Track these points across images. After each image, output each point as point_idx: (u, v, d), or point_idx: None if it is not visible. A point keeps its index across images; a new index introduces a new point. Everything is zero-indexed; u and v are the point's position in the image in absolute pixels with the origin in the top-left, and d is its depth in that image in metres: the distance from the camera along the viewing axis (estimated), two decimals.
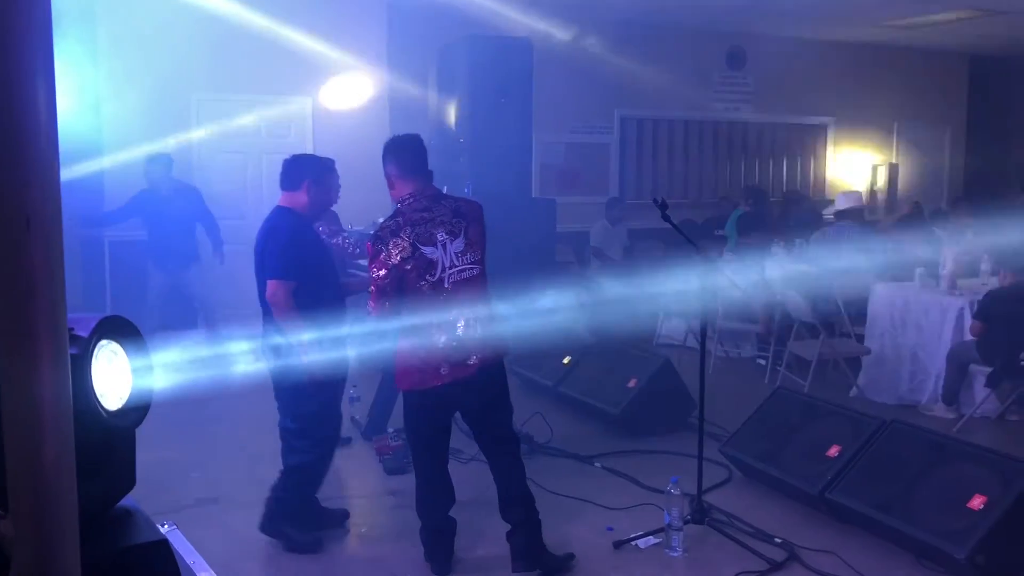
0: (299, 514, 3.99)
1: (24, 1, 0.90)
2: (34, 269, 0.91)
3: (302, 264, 3.80)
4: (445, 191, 3.77)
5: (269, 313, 3.84)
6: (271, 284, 3.79)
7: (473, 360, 3.47)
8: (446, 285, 3.43)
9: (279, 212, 3.94)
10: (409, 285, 3.42)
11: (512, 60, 7.31)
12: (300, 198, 3.91)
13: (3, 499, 0.98)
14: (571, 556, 3.78)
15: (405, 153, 3.57)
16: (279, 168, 4.00)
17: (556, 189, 9.63)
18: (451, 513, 3.73)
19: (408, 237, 3.41)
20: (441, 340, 3.43)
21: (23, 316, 0.91)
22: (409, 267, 3.40)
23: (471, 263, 3.50)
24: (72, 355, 1.40)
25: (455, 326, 3.44)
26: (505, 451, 3.69)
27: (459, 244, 3.46)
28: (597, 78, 9.85)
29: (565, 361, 6.32)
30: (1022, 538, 3.57)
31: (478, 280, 3.53)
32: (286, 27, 7.73)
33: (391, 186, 3.61)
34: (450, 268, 3.44)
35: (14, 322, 0.92)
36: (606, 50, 9.61)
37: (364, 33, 8.30)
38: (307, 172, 3.93)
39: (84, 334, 1.40)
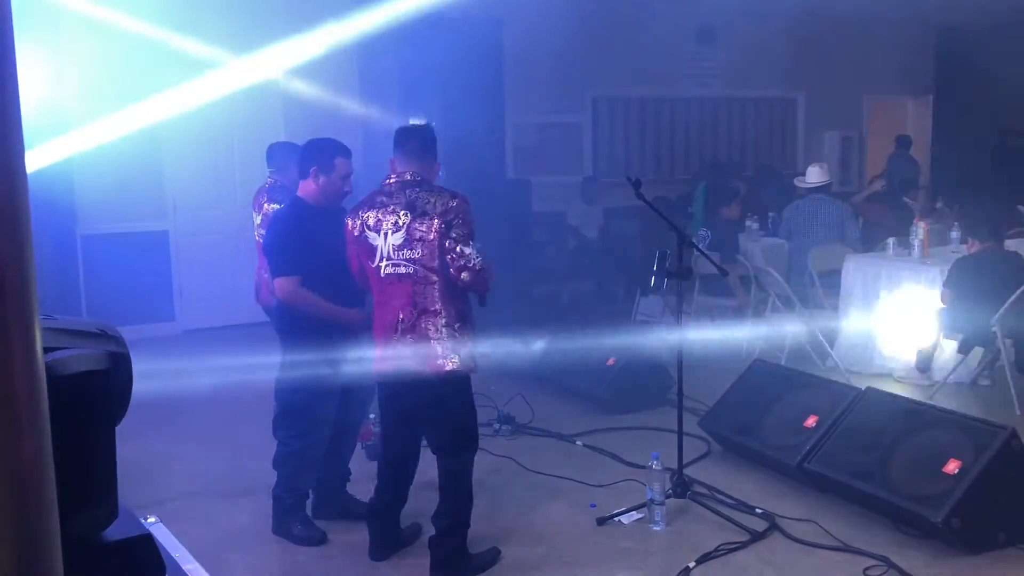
0: (300, 508, 3.96)
1: None
2: (3, 267, 0.90)
3: (305, 257, 3.70)
4: (437, 179, 3.63)
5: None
6: (277, 283, 3.74)
7: (401, 362, 3.38)
8: (381, 275, 3.41)
9: (289, 202, 3.96)
10: (363, 265, 3.49)
11: (483, 41, 7.28)
12: (309, 186, 3.80)
13: None
14: (497, 551, 3.69)
15: (400, 138, 3.51)
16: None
17: (531, 170, 9.61)
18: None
19: (360, 218, 3.44)
20: (381, 328, 3.45)
21: None
22: (358, 247, 3.46)
23: (406, 261, 3.35)
24: (117, 352, 1.40)
25: (391, 319, 3.40)
26: (441, 461, 3.59)
27: (398, 238, 3.36)
28: (568, 58, 9.84)
29: (538, 347, 6.31)
30: (995, 501, 3.64)
31: (415, 280, 3.34)
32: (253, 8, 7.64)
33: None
34: (386, 259, 3.38)
35: None
36: (577, 30, 9.58)
37: (333, 14, 8.21)
38: (312, 159, 3.79)
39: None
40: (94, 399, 1.30)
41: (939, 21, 12.39)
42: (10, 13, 0.91)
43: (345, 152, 3.82)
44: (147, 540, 1.59)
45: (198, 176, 7.99)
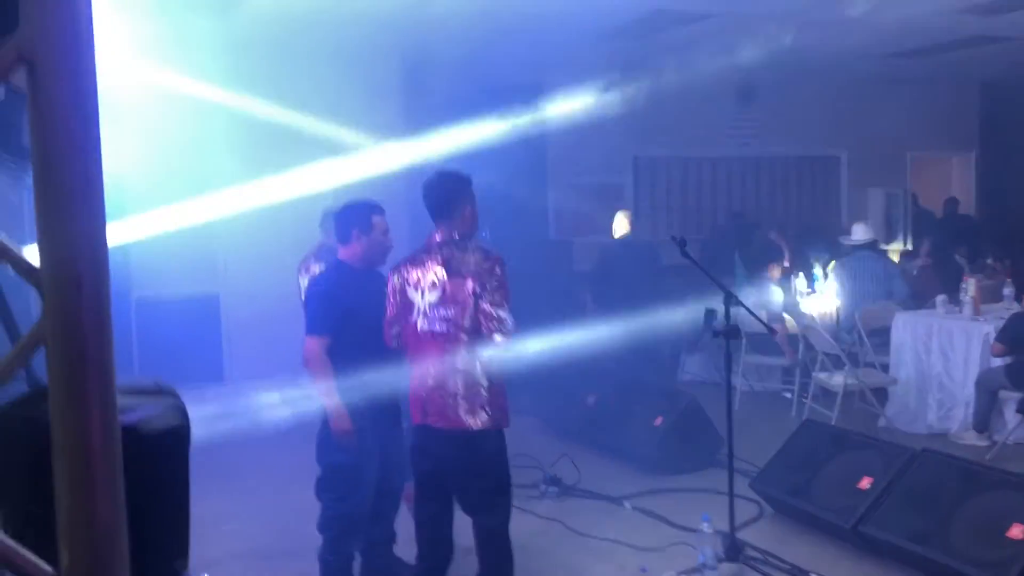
0: (347, 570, 3.92)
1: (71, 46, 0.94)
2: (86, 337, 0.94)
3: (339, 318, 3.73)
4: (479, 235, 3.65)
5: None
6: (306, 340, 3.79)
7: (439, 419, 3.37)
8: (419, 331, 3.43)
9: (331, 264, 4.03)
10: (400, 319, 3.51)
11: (524, 104, 7.42)
12: (353, 250, 3.90)
13: (54, 557, 1.01)
14: None
15: (423, 193, 3.52)
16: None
17: (572, 230, 9.67)
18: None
19: (402, 274, 3.49)
20: (419, 383, 3.44)
21: (74, 382, 0.94)
22: (398, 301, 3.49)
23: (441, 319, 3.37)
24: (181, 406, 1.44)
25: (423, 375, 3.40)
26: (475, 522, 3.54)
27: (434, 296, 3.40)
28: (609, 119, 9.94)
29: (590, 401, 6.31)
30: None
31: (447, 339, 3.35)
32: (298, 103, 7.67)
33: None
34: (423, 316, 3.41)
35: (66, 391, 0.94)
36: (619, 93, 9.71)
37: (378, 90, 8.36)
38: (352, 222, 3.90)
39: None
40: (176, 455, 1.34)
41: (980, 76, 12.34)
42: (95, 90, 0.97)
43: (379, 210, 3.95)
44: None
45: (249, 239, 8.15)
